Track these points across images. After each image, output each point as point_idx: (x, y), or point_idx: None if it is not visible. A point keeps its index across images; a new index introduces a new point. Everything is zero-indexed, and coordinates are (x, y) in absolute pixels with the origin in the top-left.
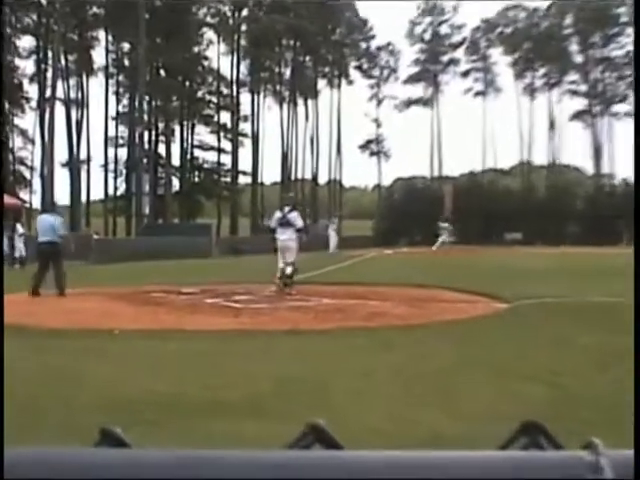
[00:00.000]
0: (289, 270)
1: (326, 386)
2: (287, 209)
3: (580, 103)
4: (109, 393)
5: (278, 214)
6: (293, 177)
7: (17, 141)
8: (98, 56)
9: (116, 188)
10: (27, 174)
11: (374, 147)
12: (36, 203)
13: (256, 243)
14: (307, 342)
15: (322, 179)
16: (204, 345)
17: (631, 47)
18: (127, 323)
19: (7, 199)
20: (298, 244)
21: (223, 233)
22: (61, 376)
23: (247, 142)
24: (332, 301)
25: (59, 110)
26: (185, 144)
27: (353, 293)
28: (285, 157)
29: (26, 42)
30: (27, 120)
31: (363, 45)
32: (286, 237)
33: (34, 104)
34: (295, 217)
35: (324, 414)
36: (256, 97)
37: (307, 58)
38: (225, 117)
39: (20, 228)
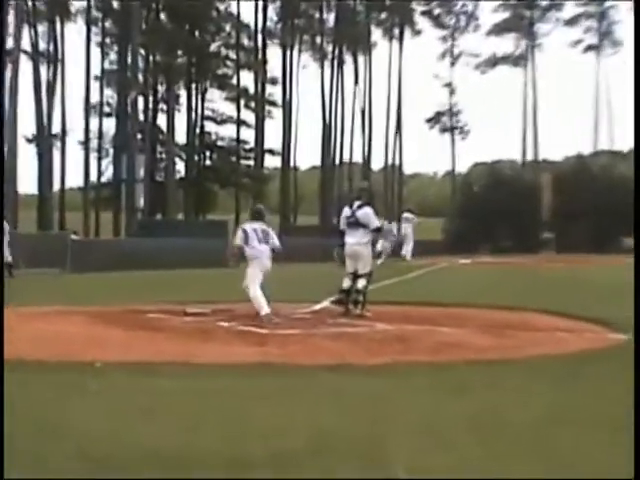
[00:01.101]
0: (361, 284)
1: (377, 444)
2: (357, 204)
3: None
4: (91, 451)
5: (346, 211)
6: (338, 160)
7: None
8: None
9: (100, 173)
10: None
11: (446, 121)
12: None
13: (288, 247)
14: (353, 382)
15: (376, 163)
16: (217, 383)
17: None
18: (115, 353)
19: None
20: (371, 250)
21: None
22: (25, 425)
23: (276, 112)
24: (388, 326)
25: (24, 67)
26: (193, 115)
27: (417, 316)
28: (327, 133)
29: None
30: None
31: None
32: (355, 241)
33: None
34: (368, 215)
35: None
36: (288, 52)
37: (358, 0)
38: (247, 79)
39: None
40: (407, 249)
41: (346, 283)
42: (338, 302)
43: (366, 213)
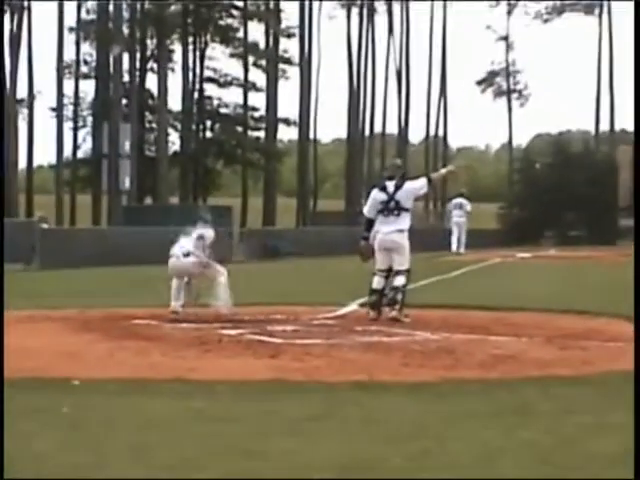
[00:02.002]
0: (400, 282)
1: None
2: (393, 185)
3: None
4: None
5: (380, 195)
6: (367, 131)
7: None
8: None
9: (76, 147)
10: None
11: (501, 83)
12: None
13: (305, 239)
14: (388, 403)
15: (415, 135)
16: (221, 407)
17: None
18: (96, 368)
19: None
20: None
21: (252, 222)
22: None
23: (293, 73)
24: (432, 335)
25: None
26: (191, 75)
27: (466, 322)
28: (355, 98)
29: None
30: None
31: None
32: (394, 229)
33: None
34: (409, 191)
35: None
36: None
37: None
38: (256, 31)
39: None
40: (461, 241)
41: (377, 282)
42: (369, 305)
43: (407, 190)
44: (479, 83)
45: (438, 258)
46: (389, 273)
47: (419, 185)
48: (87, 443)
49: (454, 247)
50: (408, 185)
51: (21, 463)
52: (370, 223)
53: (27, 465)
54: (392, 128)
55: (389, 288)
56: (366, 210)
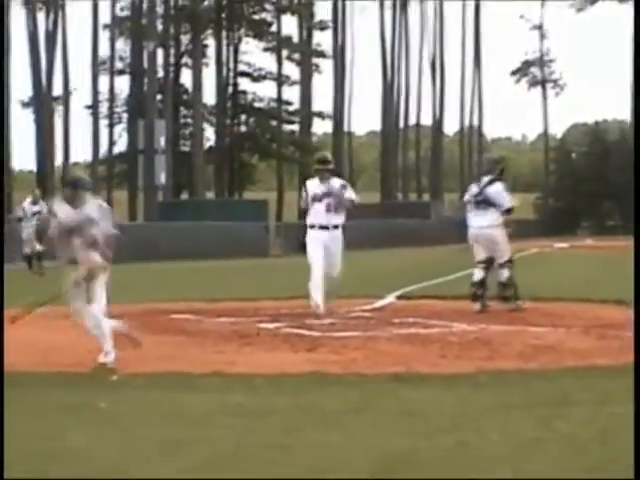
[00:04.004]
0: (504, 276)
1: (461, 476)
2: (486, 179)
3: None
4: None
5: (473, 188)
6: (402, 123)
7: None
8: None
9: (112, 143)
10: None
11: (536, 72)
12: None
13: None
14: (425, 395)
15: (450, 126)
16: (259, 400)
17: None
18: (134, 363)
19: None
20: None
21: (288, 216)
22: (22, 456)
23: (326, 66)
24: (469, 327)
25: (16, 14)
26: (225, 70)
27: (503, 314)
28: (388, 90)
29: None
30: None
31: None
32: (485, 223)
33: None
34: (498, 192)
35: None
36: None
37: None
38: (290, 24)
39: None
40: None
41: (477, 275)
42: (471, 298)
43: (497, 190)
44: (513, 73)
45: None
46: (488, 264)
47: (502, 200)
48: (124, 438)
49: None
50: (499, 187)
51: (57, 459)
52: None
53: (66, 462)
54: (427, 119)
55: (497, 284)
56: (466, 202)
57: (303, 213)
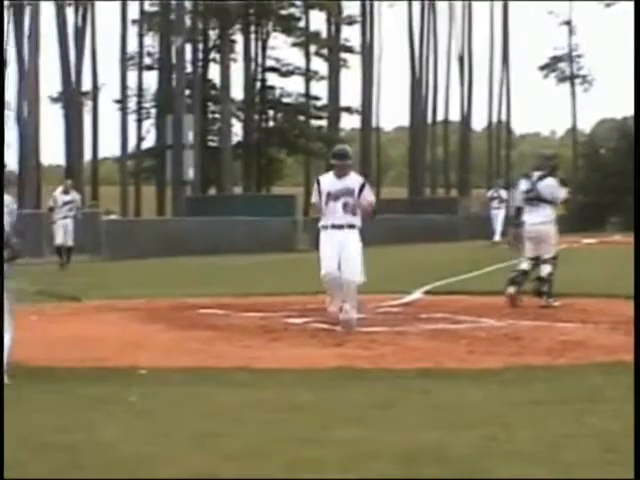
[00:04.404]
0: (546, 271)
1: (489, 472)
2: (537, 175)
3: None
4: None
5: (524, 184)
6: (430, 119)
7: None
8: None
9: (140, 138)
10: None
11: (565, 68)
12: (11, 163)
13: (368, 227)
14: (453, 390)
15: (478, 122)
16: (287, 395)
17: None
18: (162, 358)
19: None
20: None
21: None
22: (48, 450)
23: (354, 61)
24: (497, 322)
25: (46, 9)
26: (253, 65)
27: (531, 309)
28: (416, 86)
29: None
30: None
31: None
32: (538, 220)
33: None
34: (551, 186)
35: None
36: None
37: None
38: (318, 20)
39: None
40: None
41: (524, 265)
42: (509, 281)
43: (549, 185)
44: (542, 68)
45: (504, 244)
46: (537, 261)
47: (560, 192)
48: (153, 432)
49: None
50: (551, 182)
51: (88, 453)
52: (519, 211)
53: (94, 455)
54: (455, 115)
55: (535, 277)
56: (516, 201)
57: (316, 212)
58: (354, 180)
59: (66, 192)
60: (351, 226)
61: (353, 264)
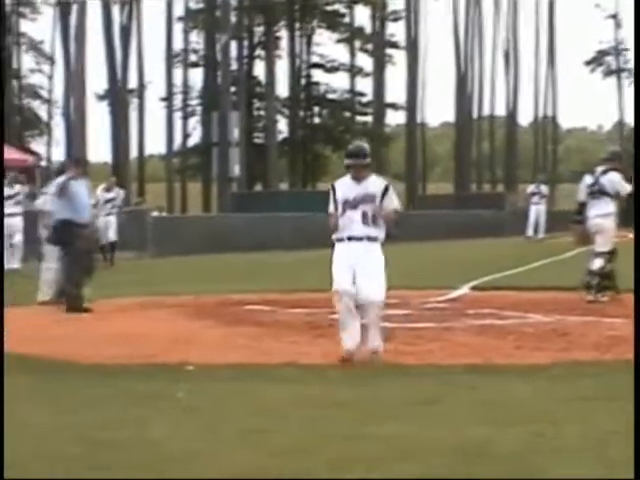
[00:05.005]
0: (597, 265)
1: (538, 469)
2: (600, 169)
3: None
4: None
5: (588, 179)
6: (476, 114)
7: (26, 59)
8: None
9: (186, 135)
10: (43, 112)
11: (611, 62)
12: (59, 158)
13: (414, 223)
14: (501, 386)
15: (524, 117)
16: (333, 391)
17: None
18: (210, 354)
19: (10, 153)
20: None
21: None
22: (97, 446)
23: (399, 57)
24: (544, 318)
25: (92, 8)
26: (298, 62)
27: (577, 305)
28: (462, 81)
29: None
30: (42, 25)
31: None
32: (597, 213)
33: None
34: (613, 180)
35: None
36: None
37: None
38: (363, 15)
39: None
40: (542, 225)
41: (597, 263)
42: (584, 287)
43: (611, 179)
44: (588, 63)
45: (550, 240)
46: (611, 255)
47: (623, 186)
48: (200, 429)
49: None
50: (614, 177)
51: (135, 449)
52: (582, 206)
53: (142, 452)
54: (500, 110)
55: (587, 271)
56: (581, 196)
57: (333, 226)
58: (375, 184)
59: (108, 189)
60: (372, 239)
61: (375, 281)
